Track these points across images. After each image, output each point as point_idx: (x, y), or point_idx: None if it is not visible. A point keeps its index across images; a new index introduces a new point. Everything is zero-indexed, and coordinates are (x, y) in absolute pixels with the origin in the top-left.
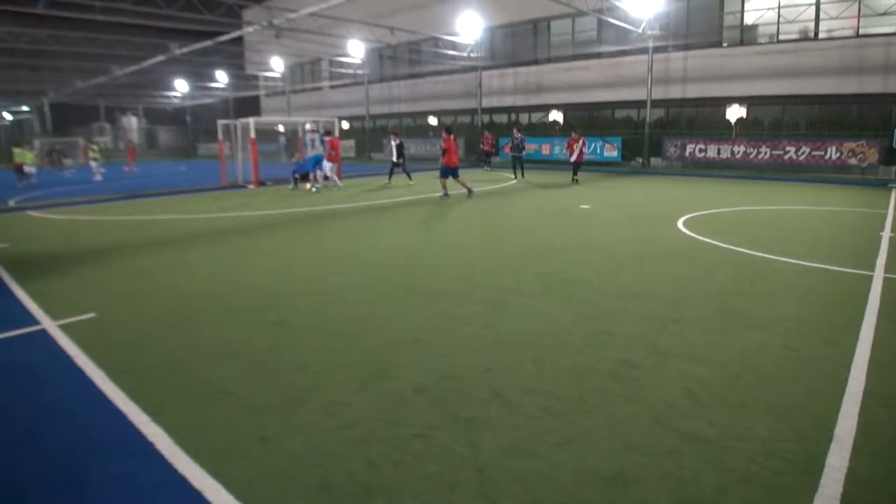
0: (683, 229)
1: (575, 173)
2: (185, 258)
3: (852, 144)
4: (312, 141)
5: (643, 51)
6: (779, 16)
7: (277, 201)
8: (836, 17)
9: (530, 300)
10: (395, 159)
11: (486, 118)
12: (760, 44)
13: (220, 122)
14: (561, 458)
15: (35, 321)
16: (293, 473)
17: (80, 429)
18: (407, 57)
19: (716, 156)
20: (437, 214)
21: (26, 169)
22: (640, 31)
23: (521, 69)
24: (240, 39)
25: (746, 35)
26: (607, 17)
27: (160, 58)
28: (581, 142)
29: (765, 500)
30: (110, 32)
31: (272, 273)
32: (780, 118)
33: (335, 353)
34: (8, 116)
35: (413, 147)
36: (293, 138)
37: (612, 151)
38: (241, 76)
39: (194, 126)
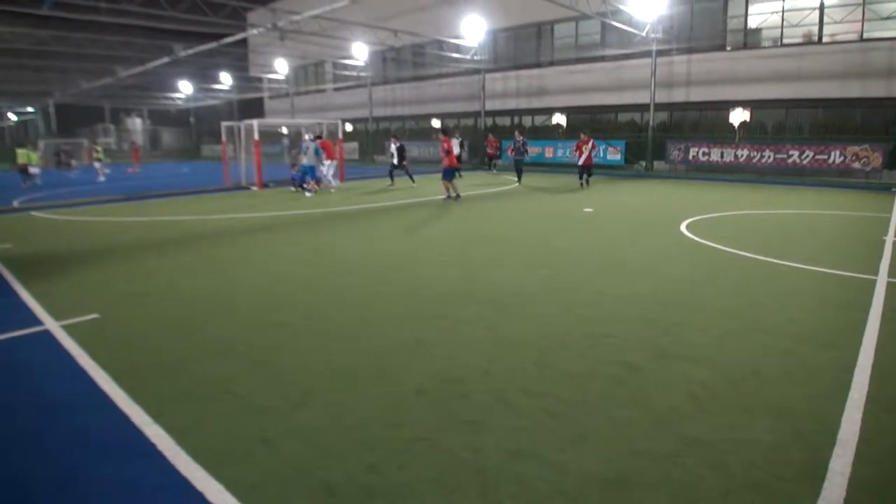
0: (686, 233)
1: (581, 177)
2: (187, 259)
3: (856, 148)
4: (307, 149)
5: (647, 54)
6: (783, 20)
7: (280, 203)
8: (840, 21)
9: (532, 303)
10: (395, 162)
11: (489, 121)
12: (764, 48)
13: (224, 124)
14: (563, 462)
15: (38, 322)
16: (295, 475)
17: (83, 429)
18: (410, 59)
19: (719, 159)
20: (440, 217)
21: (31, 170)
22: (643, 34)
23: (525, 72)
24: (244, 41)
25: (750, 39)
26: (611, 20)
27: (164, 59)
28: (590, 144)
29: None
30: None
31: (274, 274)
32: (784, 122)
33: (337, 355)
34: (13, 117)
35: (416, 150)
36: (296, 140)
37: (615, 155)
38: (244, 78)
39: (198, 128)
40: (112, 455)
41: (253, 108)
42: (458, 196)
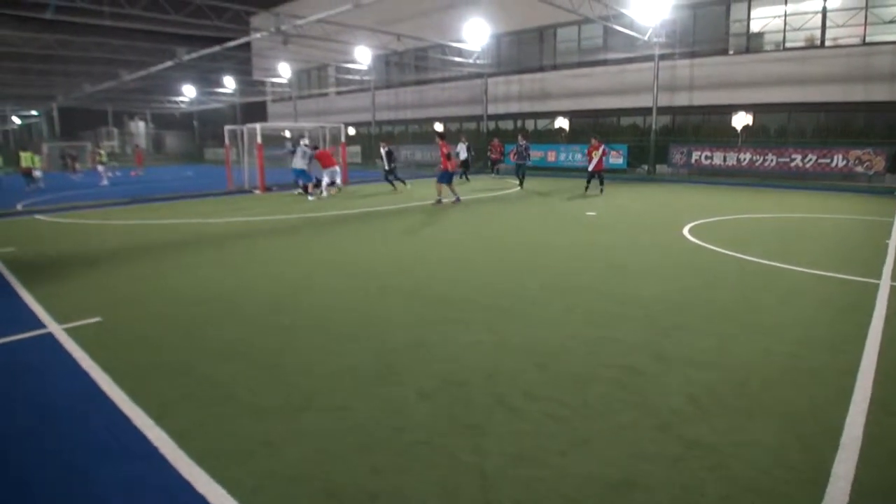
0: (689, 237)
1: (589, 181)
2: (190, 262)
3: (859, 152)
4: (304, 153)
5: (649, 58)
6: (785, 24)
7: (283, 207)
8: (843, 25)
9: (535, 306)
10: (386, 167)
11: (491, 125)
12: (767, 52)
13: (227, 128)
14: (565, 465)
15: (41, 324)
16: (298, 478)
17: (85, 432)
18: (413, 63)
19: (722, 163)
20: (442, 220)
21: (34, 173)
22: (646, 38)
23: (527, 76)
24: (247, 45)
25: (752, 43)
26: (613, 24)
27: (168, 63)
28: (601, 149)
29: None
30: (119, 38)
31: (277, 277)
32: (787, 126)
33: (339, 358)
34: (17, 121)
35: (419, 153)
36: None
37: (617, 159)
38: (248, 82)
39: (201, 131)
40: (114, 457)
41: (256, 111)
42: (457, 199)
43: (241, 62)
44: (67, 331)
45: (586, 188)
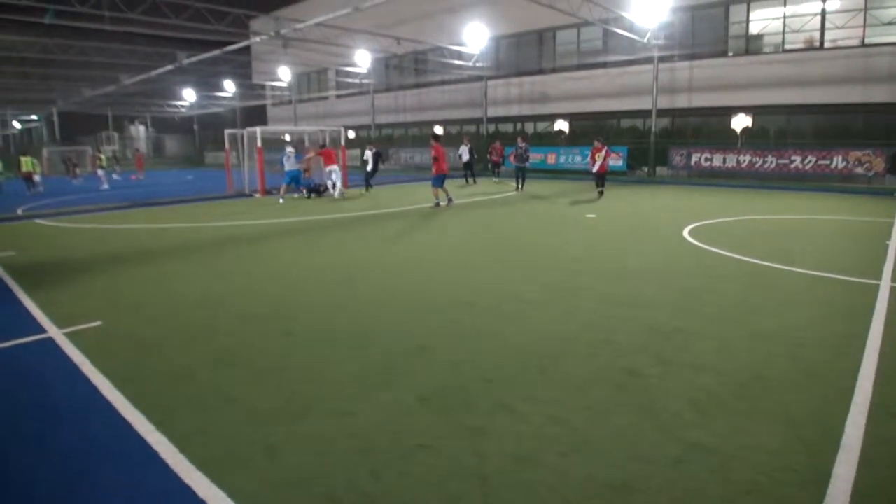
0: (689, 239)
1: (598, 185)
2: (190, 267)
3: (858, 153)
4: (288, 157)
5: (648, 60)
6: (784, 25)
7: (284, 210)
8: (842, 27)
9: (535, 309)
10: (368, 168)
11: (491, 127)
12: (766, 53)
13: (227, 132)
14: (566, 468)
15: (42, 329)
16: (298, 483)
17: (86, 437)
18: (413, 66)
19: (721, 165)
20: (442, 223)
21: (34, 178)
22: (645, 40)
23: (527, 79)
24: (247, 49)
25: (752, 45)
26: (613, 27)
27: (168, 67)
28: (604, 151)
29: None
30: (119, 42)
31: (278, 282)
32: (786, 127)
33: (340, 362)
34: (17, 125)
35: (418, 156)
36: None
37: (617, 161)
38: (248, 85)
39: (201, 135)
40: (114, 462)
41: (256, 115)
42: (449, 201)
43: (241, 66)
44: (68, 335)
45: (600, 192)
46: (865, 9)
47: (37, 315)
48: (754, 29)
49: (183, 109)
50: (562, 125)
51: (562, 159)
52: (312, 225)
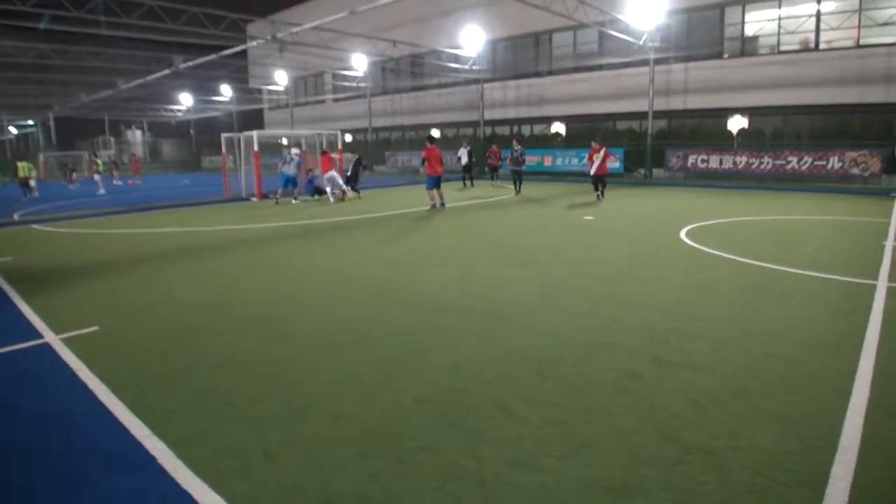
0: (686, 240)
1: (596, 188)
2: (188, 271)
3: (854, 154)
4: (290, 160)
5: (644, 62)
6: (779, 27)
7: (280, 214)
8: (837, 28)
9: (533, 312)
10: (348, 174)
11: (488, 130)
12: (761, 55)
13: (224, 136)
14: (564, 470)
15: (38, 335)
16: (296, 487)
17: (82, 442)
18: (409, 70)
19: (718, 166)
20: (439, 227)
21: (30, 183)
22: (641, 43)
23: (523, 81)
24: (244, 53)
25: (747, 46)
26: (609, 29)
27: (165, 72)
28: (602, 152)
29: None
30: (115, 47)
31: (275, 285)
32: (782, 128)
33: (338, 366)
34: (13, 130)
35: (415, 159)
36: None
37: (614, 163)
38: (244, 90)
39: (198, 139)
40: (111, 468)
41: (253, 119)
42: (442, 205)
43: (238, 70)
44: (64, 341)
45: (598, 195)
46: (860, 10)
47: (33, 320)
48: (750, 31)
49: (180, 114)
50: (558, 128)
51: (558, 162)
52: (309, 229)
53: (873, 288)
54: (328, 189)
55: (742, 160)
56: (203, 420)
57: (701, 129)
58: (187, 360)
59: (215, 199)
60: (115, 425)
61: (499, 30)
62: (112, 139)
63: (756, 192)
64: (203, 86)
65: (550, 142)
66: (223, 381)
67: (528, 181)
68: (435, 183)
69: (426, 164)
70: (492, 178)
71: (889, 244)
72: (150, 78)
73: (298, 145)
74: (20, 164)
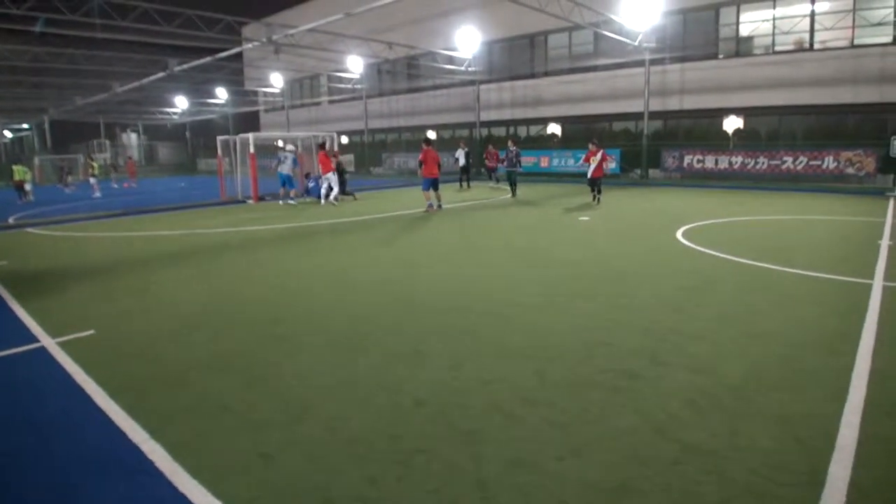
0: (683, 240)
1: (593, 189)
2: (184, 274)
3: (849, 154)
4: (284, 159)
5: (640, 63)
6: (774, 27)
7: (277, 216)
8: (831, 28)
9: (530, 312)
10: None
11: (484, 131)
12: (756, 55)
13: (220, 138)
14: (563, 471)
15: (34, 339)
16: (294, 489)
17: (80, 446)
18: (405, 71)
19: (714, 166)
20: (436, 228)
21: (26, 186)
22: (636, 43)
23: (519, 83)
24: (239, 56)
25: (742, 47)
26: (604, 30)
27: (160, 74)
28: (600, 154)
29: None
30: (110, 50)
31: (272, 288)
32: (778, 128)
33: (336, 368)
34: (8, 134)
35: (412, 161)
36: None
37: (610, 163)
38: (240, 92)
39: (194, 142)
40: (109, 472)
41: (248, 121)
42: (439, 206)
43: (233, 72)
44: (61, 344)
45: (593, 198)
46: (854, 10)
47: (29, 324)
48: (744, 31)
49: (175, 117)
50: (554, 128)
51: (555, 162)
52: (305, 231)
53: (869, 287)
54: (322, 190)
55: (738, 160)
56: (201, 423)
57: (697, 129)
58: (184, 363)
59: (211, 201)
60: (112, 429)
61: (494, 31)
62: (107, 142)
63: (752, 192)
64: (198, 88)
65: (546, 143)
66: (221, 384)
67: (524, 182)
68: (431, 185)
69: (423, 166)
70: (490, 179)
71: (885, 243)
72: (145, 81)
73: (294, 145)
74: (15, 168)
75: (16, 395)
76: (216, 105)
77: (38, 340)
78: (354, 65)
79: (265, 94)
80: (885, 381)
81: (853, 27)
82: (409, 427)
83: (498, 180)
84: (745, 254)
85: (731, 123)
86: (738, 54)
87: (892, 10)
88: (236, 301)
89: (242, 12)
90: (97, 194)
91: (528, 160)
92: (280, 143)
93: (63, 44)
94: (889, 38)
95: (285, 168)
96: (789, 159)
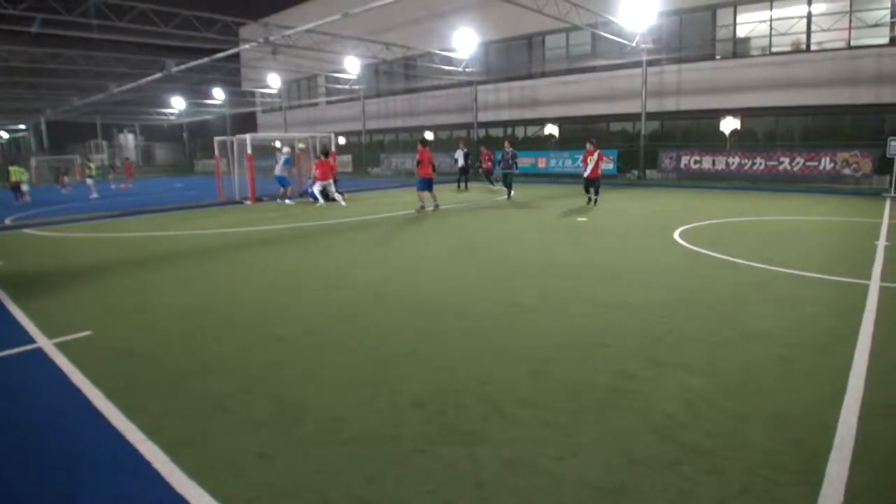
0: (680, 241)
1: (587, 190)
2: (182, 274)
3: (846, 154)
4: (279, 159)
5: (637, 64)
6: (771, 28)
7: (274, 217)
8: (828, 30)
9: (528, 313)
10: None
11: (482, 132)
12: (753, 56)
13: (217, 139)
14: (561, 472)
15: (31, 339)
16: (292, 491)
17: (77, 448)
18: (402, 72)
19: (711, 167)
20: (432, 229)
21: (22, 187)
22: (633, 44)
23: (516, 83)
24: (236, 56)
25: (739, 48)
26: (601, 31)
27: (157, 75)
28: (597, 154)
29: None
30: (107, 50)
31: (270, 288)
32: (774, 129)
33: (334, 368)
34: (4, 135)
35: (409, 162)
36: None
37: (608, 164)
38: (237, 93)
39: (191, 143)
40: (106, 472)
41: (246, 122)
42: (436, 207)
43: (231, 73)
44: (58, 345)
45: (588, 199)
46: (851, 11)
47: (26, 325)
48: (741, 32)
49: (172, 117)
50: (552, 129)
51: (552, 163)
52: (301, 232)
53: (866, 287)
54: (316, 191)
55: (735, 161)
56: (198, 424)
57: (694, 130)
58: (182, 364)
59: (209, 202)
60: (109, 430)
61: (491, 32)
62: (104, 143)
63: (749, 192)
64: (195, 89)
65: (544, 143)
66: (218, 385)
67: (521, 182)
68: (426, 185)
69: (419, 166)
70: (490, 181)
71: (881, 244)
72: (142, 81)
73: (291, 146)
74: (12, 169)
75: (12, 396)
76: (213, 106)
77: (34, 341)
78: (352, 65)
79: (262, 94)
80: (883, 381)
81: (850, 28)
82: (408, 428)
83: (495, 182)
84: (742, 254)
85: (728, 124)
86: (735, 55)
87: (888, 11)
88: (234, 301)
89: (240, 13)
90: (94, 195)
91: (525, 161)
92: (277, 144)
93: (60, 44)
94: (885, 40)
95: (277, 169)
96: (786, 160)
